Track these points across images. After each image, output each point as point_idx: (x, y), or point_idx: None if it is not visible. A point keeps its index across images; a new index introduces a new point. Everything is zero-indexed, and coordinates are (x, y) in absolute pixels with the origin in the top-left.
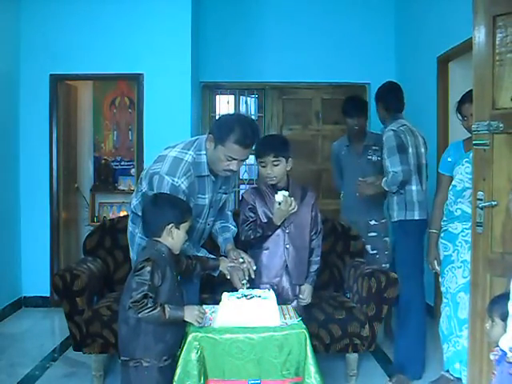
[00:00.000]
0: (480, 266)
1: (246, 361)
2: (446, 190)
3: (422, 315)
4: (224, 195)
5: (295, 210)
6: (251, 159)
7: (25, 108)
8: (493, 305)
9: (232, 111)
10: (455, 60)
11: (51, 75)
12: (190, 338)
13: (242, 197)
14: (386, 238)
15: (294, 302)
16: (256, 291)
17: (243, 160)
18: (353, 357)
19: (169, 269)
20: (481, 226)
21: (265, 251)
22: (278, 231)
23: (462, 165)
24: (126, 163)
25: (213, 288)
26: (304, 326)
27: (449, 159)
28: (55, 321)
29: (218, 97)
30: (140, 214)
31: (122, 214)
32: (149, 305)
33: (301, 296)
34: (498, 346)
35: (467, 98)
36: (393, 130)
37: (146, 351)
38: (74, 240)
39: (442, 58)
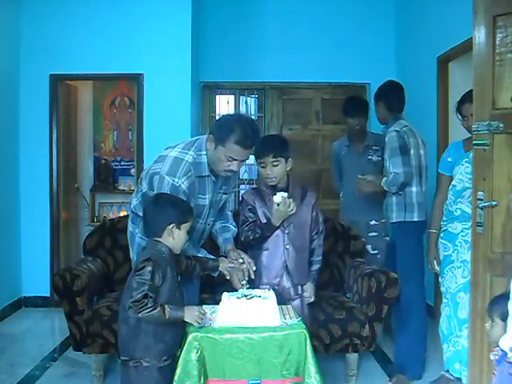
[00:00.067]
0: (480, 265)
1: (246, 361)
2: (446, 190)
3: (422, 315)
4: (224, 195)
5: (294, 211)
6: (251, 159)
7: (25, 108)
8: (493, 305)
9: (232, 111)
10: (455, 60)
11: (51, 75)
12: (190, 338)
13: (242, 197)
14: (387, 238)
15: (297, 301)
16: (256, 291)
17: (244, 160)
18: (353, 357)
19: (169, 269)
20: (481, 226)
21: (264, 252)
22: (278, 232)
23: (462, 165)
24: (125, 163)
25: (213, 288)
26: (304, 325)
27: (449, 159)
28: (55, 321)
29: (218, 97)
30: (140, 214)
31: (122, 213)
32: (149, 305)
33: (305, 294)
34: (498, 346)
35: (467, 98)
36: (396, 130)
37: (145, 351)
38: (74, 240)
39: (442, 58)
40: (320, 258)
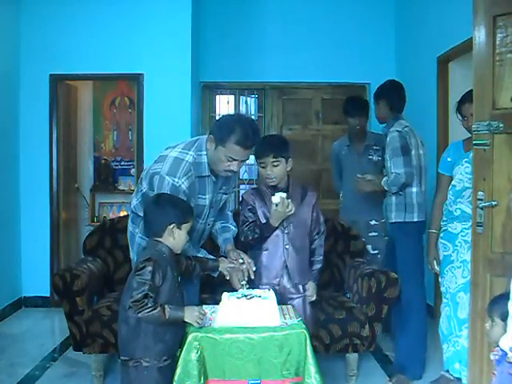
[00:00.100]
0: (480, 265)
1: (246, 361)
2: (446, 190)
3: (422, 315)
4: (224, 195)
5: (292, 211)
6: (251, 159)
7: (25, 108)
8: (493, 305)
9: (232, 111)
10: (455, 60)
11: (51, 75)
12: (190, 338)
13: (242, 197)
14: (387, 238)
15: (299, 300)
16: (256, 291)
17: (244, 161)
18: (353, 357)
19: (170, 269)
20: (481, 226)
21: (264, 252)
22: (278, 232)
23: (462, 165)
24: (125, 163)
25: (213, 288)
26: (304, 325)
27: (448, 159)
28: (55, 321)
29: (218, 97)
30: (140, 214)
31: (122, 213)
32: (149, 304)
33: (307, 293)
34: (498, 346)
35: (467, 98)
36: (398, 130)
37: (145, 351)
38: (74, 240)
39: (442, 58)
40: (321, 257)
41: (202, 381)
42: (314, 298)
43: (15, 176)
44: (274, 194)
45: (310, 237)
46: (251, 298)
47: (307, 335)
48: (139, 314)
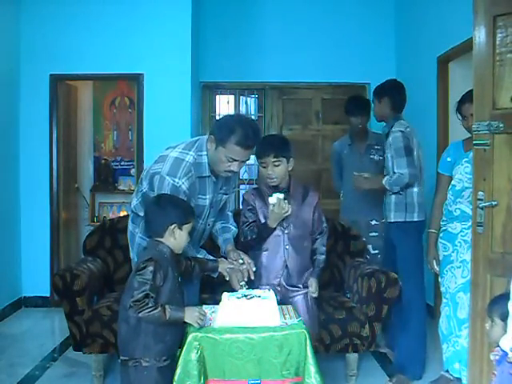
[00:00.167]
0: (480, 265)
1: (246, 361)
2: (446, 190)
3: (422, 315)
4: (225, 196)
5: (289, 212)
6: (251, 159)
7: (25, 108)
8: (492, 305)
9: (232, 111)
10: (455, 60)
11: (51, 75)
12: (190, 338)
13: (243, 197)
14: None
15: (301, 297)
16: (256, 291)
17: (244, 161)
18: (353, 357)
19: (170, 269)
20: (481, 226)
21: (264, 252)
22: (278, 232)
23: (462, 164)
24: (126, 163)
25: (213, 288)
26: (304, 325)
27: (448, 159)
28: (55, 321)
29: (218, 97)
30: (140, 213)
31: (122, 213)
32: (150, 304)
33: (310, 289)
34: (498, 346)
35: (467, 97)
36: (401, 131)
37: (145, 351)
38: (74, 240)
39: (442, 58)
40: (323, 256)
41: (201, 381)
42: (315, 295)
43: (15, 176)
44: (271, 195)
45: (312, 237)
46: (251, 298)
47: (307, 335)
48: (140, 314)
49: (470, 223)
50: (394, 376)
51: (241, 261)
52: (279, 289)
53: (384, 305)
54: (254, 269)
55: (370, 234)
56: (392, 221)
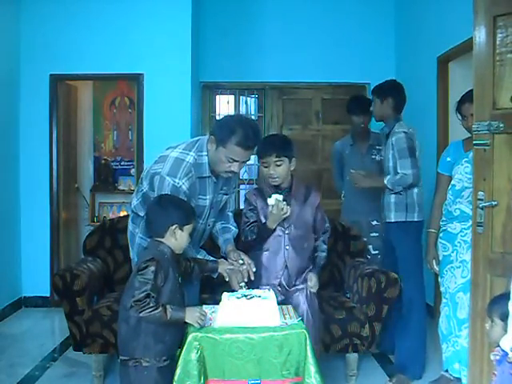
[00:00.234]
0: (480, 265)
1: (246, 361)
2: (445, 190)
3: (422, 315)
4: (225, 196)
5: (287, 214)
6: (251, 159)
7: (25, 108)
8: (492, 305)
9: (232, 111)
10: (455, 60)
11: (51, 75)
12: (190, 338)
13: (245, 197)
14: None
15: (301, 293)
16: (256, 291)
17: (244, 161)
18: (353, 357)
19: (171, 270)
20: (481, 226)
21: (265, 252)
22: (279, 232)
23: (462, 164)
24: (126, 163)
25: (213, 288)
26: (304, 326)
27: (448, 159)
28: (55, 321)
29: (218, 97)
30: (140, 213)
31: (122, 214)
32: (151, 304)
33: (309, 283)
34: (498, 346)
35: (467, 97)
36: (404, 132)
37: (145, 351)
38: (74, 240)
39: (442, 58)
40: (324, 254)
41: (201, 381)
42: (314, 289)
43: (15, 176)
44: (270, 196)
45: (315, 237)
46: (251, 298)
47: (307, 335)
48: (141, 314)
49: (469, 223)
50: (394, 376)
51: (241, 261)
52: (279, 289)
53: (384, 305)
54: (254, 269)
55: (371, 235)
56: (392, 221)
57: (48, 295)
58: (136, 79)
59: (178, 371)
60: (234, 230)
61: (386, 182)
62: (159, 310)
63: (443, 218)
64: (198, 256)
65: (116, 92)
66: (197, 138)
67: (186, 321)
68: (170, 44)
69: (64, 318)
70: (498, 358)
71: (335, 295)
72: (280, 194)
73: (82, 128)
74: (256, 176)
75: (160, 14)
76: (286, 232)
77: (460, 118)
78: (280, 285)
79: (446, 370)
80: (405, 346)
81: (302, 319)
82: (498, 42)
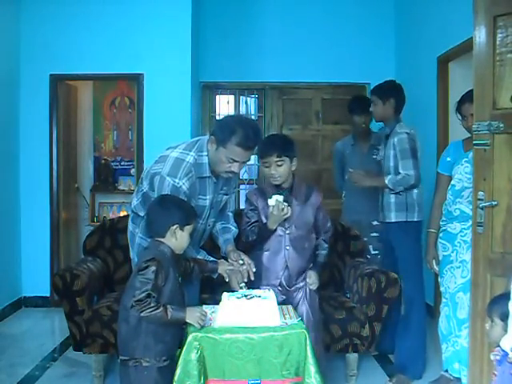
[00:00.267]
0: (480, 265)
1: (246, 361)
2: (445, 190)
3: (422, 315)
4: (225, 196)
5: (288, 215)
6: (251, 159)
7: (25, 108)
8: (492, 305)
9: (232, 111)
10: (455, 60)
11: (51, 75)
12: (190, 338)
13: (246, 197)
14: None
15: (301, 291)
16: (256, 291)
17: (245, 162)
18: (353, 357)
19: (172, 270)
20: (481, 226)
21: (265, 252)
22: (280, 232)
23: (462, 164)
24: (126, 163)
25: (213, 288)
26: (304, 325)
27: (448, 159)
28: (55, 321)
29: (218, 97)
30: (140, 213)
31: (122, 214)
32: (151, 304)
33: (308, 280)
34: (498, 346)
35: (467, 98)
36: (407, 133)
37: (145, 351)
38: (74, 240)
39: (442, 58)
40: (325, 252)
41: (201, 381)
42: (312, 286)
43: (15, 176)
44: (271, 197)
45: (317, 236)
46: (251, 298)
47: (307, 335)
48: (142, 314)
49: (469, 223)
50: (394, 376)
51: (241, 261)
52: (280, 289)
53: (384, 305)
54: (254, 269)
55: (371, 235)
56: (393, 221)
57: (48, 295)
58: (136, 79)
59: (178, 371)
60: (234, 230)
61: (386, 181)
62: (160, 309)
63: (443, 218)
64: (198, 256)
65: (116, 92)
66: (197, 138)
67: (187, 321)
68: (169, 44)
69: (64, 317)
70: (498, 358)
71: (335, 295)
72: (281, 194)
73: (81, 128)
74: (256, 176)
75: (160, 14)
76: (287, 232)
77: (460, 118)
78: (280, 285)
79: (446, 370)
80: (405, 346)
81: (302, 319)
82: (498, 42)
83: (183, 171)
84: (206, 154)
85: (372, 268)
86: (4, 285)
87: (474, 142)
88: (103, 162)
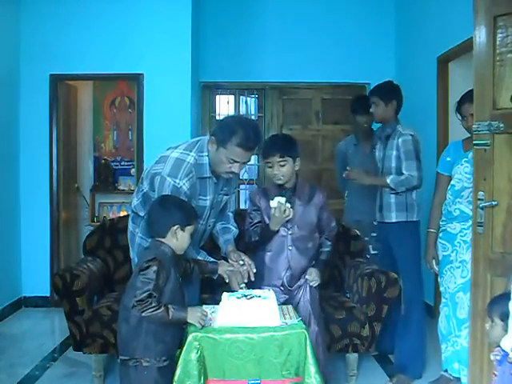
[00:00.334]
0: (480, 265)
1: (246, 361)
2: (445, 190)
3: (422, 315)
4: (225, 196)
5: (290, 216)
6: (252, 160)
7: (25, 108)
8: (492, 305)
9: (232, 111)
10: (455, 60)
11: (51, 75)
12: (190, 338)
13: (250, 197)
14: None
15: (302, 288)
16: (256, 291)
17: (245, 162)
18: (353, 357)
19: (173, 270)
20: (481, 226)
21: (268, 253)
22: (282, 232)
23: (461, 164)
24: (126, 163)
25: (213, 288)
26: (304, 326)
27: (448, 159)
28: (55, 321)
29: (218, 97)
30: (141, 213)
31: (122, 214)
32: (153, 304)
33: (307, 277)
34: (498, 346)
35: (466, 98)
36: (411, 135)
37: (146, 351)
38: (74, 240)
39: (441, 58)
40: (327, 249)
41: (201, 381)
42: (313, 283)
43: (15, 176)
44: (273, 199)
45: (321, 236)
46: (251, 297)
47: (307, 335)
48: (143, 314)
49: (469, 223)
50: (394, 376)
51: (241, 262)
52: (282, 289)
53: (384, 305)
54: (255, 270)
55: (372, 235)
56: (394, 221)
57: (48, 295)
58: (136, 79)
59: (178, 371)
60: (235, 230)
61: (388, 181)
62: (161, 309)
63: (443, 218)
64: (199, 257)
65: (116, 92)
66: (197, 139)
67: (188, 321)
68: (170, 44)
69: (64, 317)
70: (498, 358)
71: (335, 295)
72: (283, 196)
73: (81, 128)
74: (256, 176)
75: (160, 14)
76: (289, 232)
77: (460, 118)
78: (282, 285)
79: (446, 370)
80: (405, 346)
81: (303, 319)
82: (498, 42)
83: (184, 172)
84: (206, 154)
85: (372, 268)
86: (4, 285)
87: (474, 142)
88: (103, 162)
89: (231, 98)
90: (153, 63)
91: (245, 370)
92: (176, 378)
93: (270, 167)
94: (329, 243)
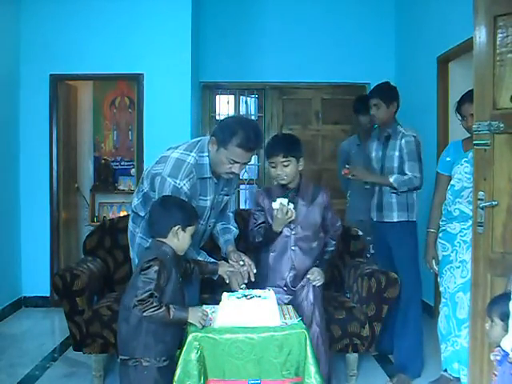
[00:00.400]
0: (481, 265)
1: (246, 361)
2: (445, 190)
3: (420, 313)
4: (226, 197)
5: (292, 218)
6: (252, 160)
7: (25, 108)
8: (492, 305)
9: (232, 111)
10: (455, 60)
11: (51, 75)
12: (190, 338)
13: (254, 197)
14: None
15: (305, 288)
16: (256, 291)
17: (246, 163)
18: (353, 357)
19: (174, 270)
20: (481, 226)
21: (271, 253)
22: (286, 233)
23: (461, 164)
24: (126, 163)
25: (213, 288)
26: (304, 326)
27: (447, 159)
28: (55, 321)
29: (218, 97)
30: (141, 213)
31: (122, 214)
32: (154, 304)
33: (309, 276)
34: (498, 346)
35: (466, 98)
36: (414, 136)
37: (146, 351)
38: (74, 240)
39: (441, 58)
40: (331, 249)
41: (201, 381)
42: (319, 283)
43: (15, 176)
44: (275, 200)
45: (326, 236)
46: (251, 297)
47: (307, 335)
48: (144, 313)
49: (469, 223)
50: (394, 376)
51: (241, 262)
52: (285, 289)
53: (384, 305)
54: (255, 270)
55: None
56: (395, 220)
57: (48, 295)
58: (136, 79)
59: (178, 371)
60: (235, 230)
61: (391, 180)
62: (162, 309)
63: (443, 218)
64: (199, 257)
65: (116, 92)
66: (198, 139)
67: (189, 321)
68: (170, 44)
69: (64, 317)
70: (498, 358)
71: (335, 295)
72: (285, 197)
73: (81, 128)
74: (256, 176)
75: (160, 14)
76: (293, 233)
77: (460, 118)
78: (286, 286)
79: (445, 370)
80: (404, 346)
81: (303, 320)
82: (498, 42)
83: (184, 172)
84: (206, 154)
85: (372, 268)
86: (4, 285)
87: (474, 142)
88: (103, 162)
89: (231, 98)
90: (153, 63)
91: (245, 370)
92: (176, 378)
93: (274, 167)
94: (333, 243)
